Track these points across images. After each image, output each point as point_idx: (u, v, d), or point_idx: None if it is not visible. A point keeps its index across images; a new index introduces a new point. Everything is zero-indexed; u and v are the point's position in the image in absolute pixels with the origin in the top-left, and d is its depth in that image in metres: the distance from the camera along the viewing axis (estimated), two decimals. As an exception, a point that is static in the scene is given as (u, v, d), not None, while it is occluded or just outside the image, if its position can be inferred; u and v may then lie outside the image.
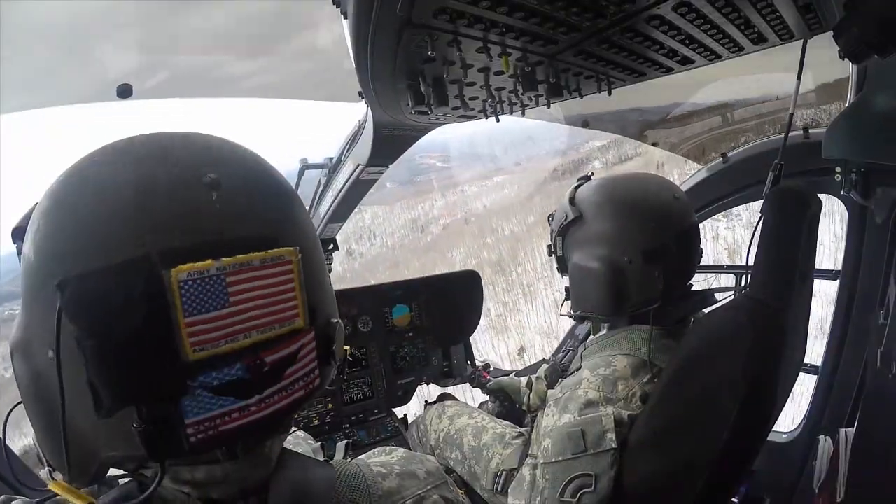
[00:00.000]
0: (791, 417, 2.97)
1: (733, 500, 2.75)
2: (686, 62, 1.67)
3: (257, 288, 0.70)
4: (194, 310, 0.65)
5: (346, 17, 1.34)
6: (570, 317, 2.12)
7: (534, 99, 1.82)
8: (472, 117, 2.01)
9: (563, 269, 2.08)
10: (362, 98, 1.95)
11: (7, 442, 1.21)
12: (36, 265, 0.70)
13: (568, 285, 2.05)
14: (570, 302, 2.06)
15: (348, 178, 2.62)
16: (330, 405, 3.10)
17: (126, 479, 0.84)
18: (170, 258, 0.64)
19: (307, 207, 3.03)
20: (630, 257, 1.82)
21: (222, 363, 0.68)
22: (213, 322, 0.66)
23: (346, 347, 0.98)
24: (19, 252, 0.75)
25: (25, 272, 0.71)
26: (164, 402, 0.66)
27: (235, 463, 0.82)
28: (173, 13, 1.95)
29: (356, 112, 2.39)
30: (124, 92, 1.94)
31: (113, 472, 0.83)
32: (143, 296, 0.64)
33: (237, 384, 0.70)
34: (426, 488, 1.06)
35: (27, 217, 0.75)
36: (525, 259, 15.11)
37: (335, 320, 0.88)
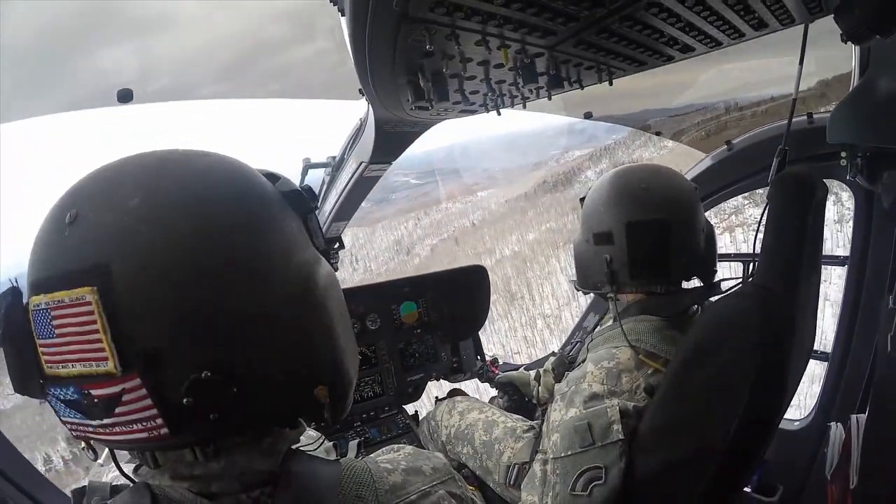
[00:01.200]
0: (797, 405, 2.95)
1: (745, 489, 2.74)
2: (687, 50, 1.65)
3: (72, 325, 0.73)
4: (41, 334, 0.75)
5: (343, 14, 1.34)
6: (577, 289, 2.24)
7: (534, 91, 1.82)
8: (473, 111, 2.01)
9: None
10: (363, 95, 1.94)
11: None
12: None
13: None
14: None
15: (352, 176, 2.62)
16: None
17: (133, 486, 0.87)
18: (31, 290, 0.77)
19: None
20: (587, 238, 1.99)
21: (62, 383, 0.76)
22: (49, 348, 0.75)
23: (324, 390, 0.87)
24: None
25: None
26: (40, 399, 0.80)
27: (230, 456, 0.85)
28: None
29: (357, 109, 2.39)
30: (125, 96, 1.94)
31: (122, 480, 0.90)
32: (9, 316, 0.77)
33: (76, 405, 0.77)
34: (431, 484, 1.06)
35: None
36: (540, 284, 14.13)
37: (203, 373, 0.75)
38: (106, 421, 0.76)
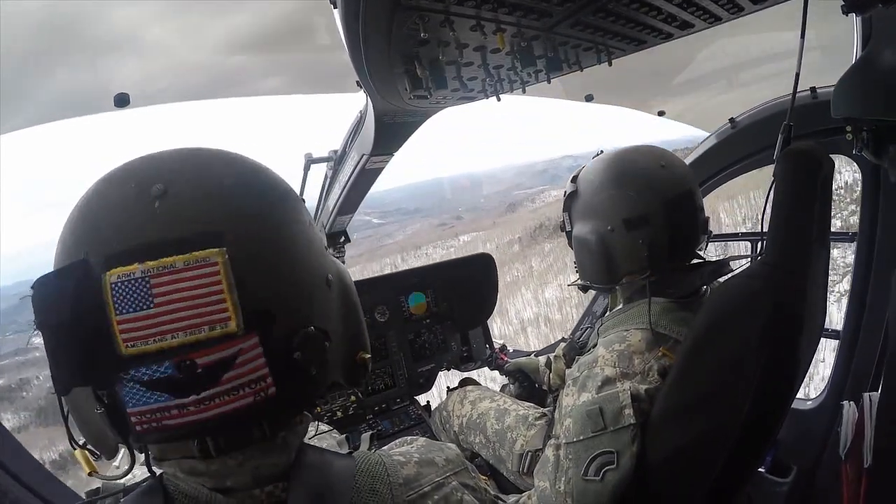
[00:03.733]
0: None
1: (759, 469, 2.73)
2: (686, 27, 1.63)
3: (182, 290, 0.73)
4: (124, 309, 0.72)
5: (335, 7, 1.33)
6: (578, 286, 2.19)
7: (533, 75, 1.80)
8: (473, 98, 1.99)
9: (569, 243, 2.14)
10: (360, 87, 1.93)
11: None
12: None
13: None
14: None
15: (354, 169, 2.62)
16: (353, 397, 3.11)
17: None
18: (111, 262, 0.73)
19: (315, 202, 3.04)
20: (612, 226, 1.89)
21: (152, 360, 0.73)
22: (140, 321, 0.72)
23: (366, 355, 1.02)
24: None
25: None
26: (105, 391, 0.75)
27: (244, 452, 0.85)
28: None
29: (357, 102, 2.38)
30: (122, 101, 1.95)
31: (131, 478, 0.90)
32: (79, 294, 0.73)
33: (169, 381, 0.74)
34: (445, 475, 1.06)
35: None
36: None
37: (310, 328, 0.84)
38: (203, 394, 0.75)
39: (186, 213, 0.77)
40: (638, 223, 1.86)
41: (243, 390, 0.77)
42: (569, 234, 2.11)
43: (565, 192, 2.07)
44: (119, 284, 0.72)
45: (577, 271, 2.15)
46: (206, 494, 0.83)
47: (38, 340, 0.75)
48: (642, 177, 1.88)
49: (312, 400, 0.94)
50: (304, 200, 0.97)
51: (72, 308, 0.72)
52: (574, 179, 2.04)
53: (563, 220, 2.12)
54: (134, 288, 0.72)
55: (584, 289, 2.19)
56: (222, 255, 0.74)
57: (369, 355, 1.02)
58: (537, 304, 14.54)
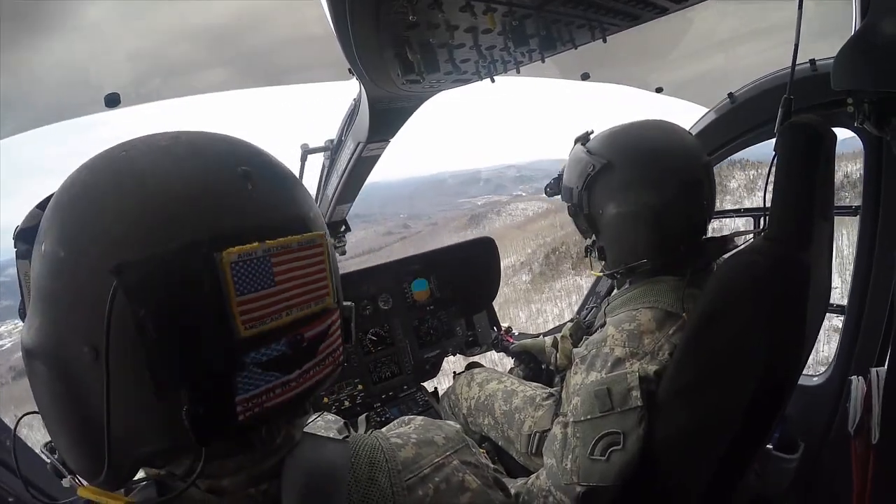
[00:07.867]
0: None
1: (767, 446, 2.73)
2: (681, 0, 1.60)
3: (296, 268, 0.76)
4: (245, 289, 0.70)
5: None
6: (607, 275, 2.09)
7: (527, 55, 1.78)
8: (467, 80, 1.96)
9: (591, 226, 2.02)
10: (353, 75, 1.91)
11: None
12: (69, 259, 0.70)
13: (595, 243, 2.03)
14: (600, 261, 2.04)
15: (350, 158, 2.60)
16: (360, 386, 3.12)
17: (144, 483, 0.84)
18: (219, 242, 0.69)
19: (314, 192, 3.03)
20: (675, 192, 1.82)
21: (269, 339, 0.73)
22: (261, 300, 0.71)
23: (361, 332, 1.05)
24: (24, 256, 0.78)
25: (49, 271, 0.71)
26: (219, 380, 0.70)
27: (247, 453, 0.83)
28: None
29: (351, 90, 2.36)
30: (112, 101, 1.93)
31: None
32: (199, 277, 0.68)
33: (281, 359, 0.75)
34: (445, 454, 1.05)
35: (35, 217, 0.77)
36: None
37: (348, 302, 0.95)
38: (305, 366, 0.79)
39: (277, 197, 0.80)
40: (697, 187, 1.85)
41: (329, 359, 0.85)
42: (588, 217, 1.98)
43: (593, 168, 1.91)
44: (240, 264, 0.69)
45: (607, 257, 2.01)
46: (201, 496, 0.81)
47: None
48: (688, 142, 1.90)
49: None
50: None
51: (199, 293, 0.68)
52: (590, 153, 1.93)
53: (581, 203, 1.97)
54: (255, 267, 0.71)
55: (630, 272, 1.98)
56: (325, 237, 0.82)
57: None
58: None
